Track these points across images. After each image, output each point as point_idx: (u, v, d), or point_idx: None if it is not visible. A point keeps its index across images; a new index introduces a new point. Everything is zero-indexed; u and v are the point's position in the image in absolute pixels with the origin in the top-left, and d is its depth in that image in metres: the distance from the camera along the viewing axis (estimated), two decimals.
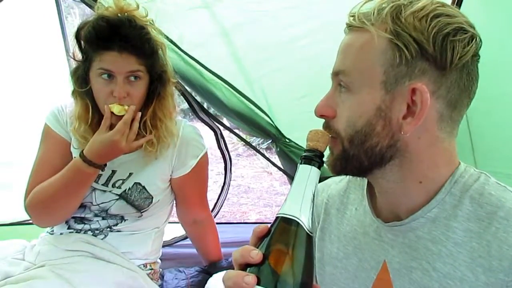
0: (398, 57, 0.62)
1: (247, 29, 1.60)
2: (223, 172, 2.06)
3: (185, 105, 1.94)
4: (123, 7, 1.21)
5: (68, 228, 1.36)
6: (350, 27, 0.67)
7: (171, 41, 1.59)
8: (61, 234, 1.36)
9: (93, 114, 1.27)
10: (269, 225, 0.57)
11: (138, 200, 1.33)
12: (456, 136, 0.68)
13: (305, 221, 0.56)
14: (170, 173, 1.40)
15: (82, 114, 1.26)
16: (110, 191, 1.33)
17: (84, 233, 1.35)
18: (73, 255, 1.28)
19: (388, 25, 0.62)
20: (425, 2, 0.62)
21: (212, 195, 2.09)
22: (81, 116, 1.27)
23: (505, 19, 1.29)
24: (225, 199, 2.15)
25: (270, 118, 1.78)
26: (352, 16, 0.66)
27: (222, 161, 2.02)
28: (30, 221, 1.36)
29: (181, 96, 1.78)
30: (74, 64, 1.30)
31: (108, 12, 1.20)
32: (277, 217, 0.57)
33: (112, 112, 1.20)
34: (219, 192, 2.13)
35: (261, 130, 1.78)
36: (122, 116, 1.20)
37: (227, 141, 1.97)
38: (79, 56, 1.27)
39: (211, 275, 1.53)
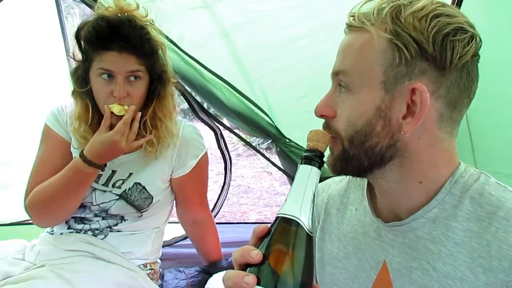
0: (397, 57, 0.62)
1: (247, 29, 1.60)
2: (223, 172, 2.06)
3: (185, 105, 1.94)
4: (123, 7, 1.21)
5: (68, 228, 1.36)
6: (350, 27, 0.67)
7: (171, 41, 1.59)
8: (61, 234, 1.36)
9: (93, 114, 1.27)
10: (269, 225, 0.57)
11: (138, 200, 1.33)
12: (456, 136, 0.68)
13: (305, 221, 0.56)
14: (170, 173, 1.40)
15: (82, 114, 1.26)
16: (110, 191, 1.33)
17: (84, 233, 1.35)
18: (73, 255, 1.28)
19: (387, 25, 0.62)
20: (425, 2, 0.62)
21: (212, 195, 2.09)
22: (81, 116, 1.26)
23: (505, 19, 1.29)
24: (225, 199, 2.15)
25: (270, 118, 1.78)
26: (352, 16, 0.66)
27: (222, 161, 2.02)
28: (30, 221, 1.36)
29: (181, 96, 1.78)
30: (74, 64, 1.30)
31: (108, 12, 1.20)
32: (277, 217, 0.57)
33: (112, 112, 1.20)
34: (219, 192, 2.13)
35: (261, 130, 1.78)
36: (122, 116, 1.20)
37: (227, 141, 1.97)
38: (79, 56, 1.27)
39: (211, 275, 1.53)
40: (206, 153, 1.44)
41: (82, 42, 1.23)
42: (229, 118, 1.82)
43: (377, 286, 0.73)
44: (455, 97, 0.64)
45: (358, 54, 0.65)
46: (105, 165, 1.25)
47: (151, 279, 1.40)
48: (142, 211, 1.36)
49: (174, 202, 1.51)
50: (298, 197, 0.57)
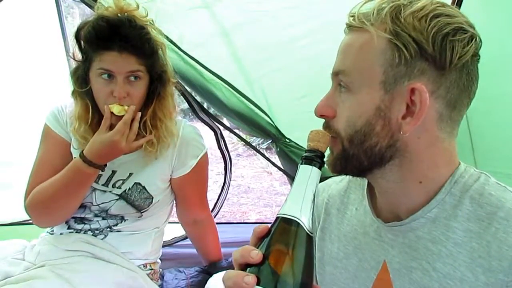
0: (397, 57, 0.62)
1: (247, 29, 1.60)
2: (223, 172, 2.06)
3: (185, 105, 1.94)
4: (123, 7, 1.21)
5: (68, 228, 1.36)
6: (350, 27, 0.67)
7: (171, 41, 1.60)
8: (61, 234, 1.36)
9: (93, 114, 1.27)
10: (269, 225, 0.57)
11: (138, 200, 1.34)
12: (456, 136, 0.68)
13: (305, 221, 0.56)
14: (170, 173, 1.40)
15: (82, 114, 1.26)
16: (110, 191, 1.33)
17: (84, 233, 1.35)
18: (73, 255, 1.28)
19: (387, 25, 0.62)
20: (425, 2, 0.62)
21: (212, 195, 2.09)
22: (81, 116, 1.26)
23: (505, 19, 1.29)
24: (225, 199, 2.15)
25: (270, 118, 1.78)
26: (352, 16, 0.66)
27: (222, 161, 2.02)
28: (30, 221, 1.36)
29: (181, 96, 1.78)
30: (74, 64, 1.30)
31: (108, 12, 1.20)
32: (277, 217, 0.57)
33: (112, 112, 1.20)
34: (219, 192, 2.13)
35: (261, 130, 1.78)
36: (122, 116, 1.20)
37: (227, 141, 1.97)
38: (79, 56, 1.27)
39: (211, 275, 1.53)
40: (206, 153, 1.44)
41: (82, 42, 1.23)
42: (229, 118, 1.82)
43: (377, 286, 0.73)
44: (455, 97, 0.64)
45: (358, 54, 0.65)
46: (105, 165, 1.25)
47: (151, 279, 1.40)
48: (142, 211, 1.36)
49: (174, 202, 1.51)
50: (299, 197, 0.57)
